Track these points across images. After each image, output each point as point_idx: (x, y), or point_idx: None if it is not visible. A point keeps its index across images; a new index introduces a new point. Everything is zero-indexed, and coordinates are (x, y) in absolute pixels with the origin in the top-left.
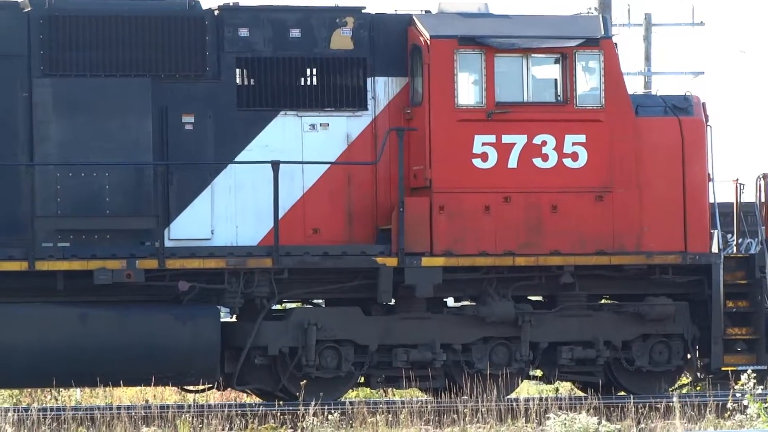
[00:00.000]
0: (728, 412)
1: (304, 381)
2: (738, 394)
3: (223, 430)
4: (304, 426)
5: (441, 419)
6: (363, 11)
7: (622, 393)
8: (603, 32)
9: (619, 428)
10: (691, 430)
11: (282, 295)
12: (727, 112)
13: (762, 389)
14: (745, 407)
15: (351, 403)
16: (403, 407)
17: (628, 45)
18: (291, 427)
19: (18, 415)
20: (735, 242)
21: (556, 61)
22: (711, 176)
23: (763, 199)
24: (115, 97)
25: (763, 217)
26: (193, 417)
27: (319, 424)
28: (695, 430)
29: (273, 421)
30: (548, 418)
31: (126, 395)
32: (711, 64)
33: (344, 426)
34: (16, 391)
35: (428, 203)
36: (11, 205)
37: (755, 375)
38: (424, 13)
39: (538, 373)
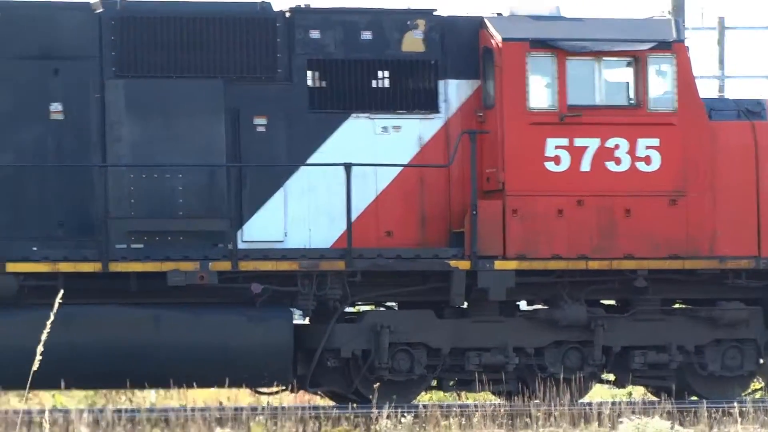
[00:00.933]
0: None
1: (377, 384)
2: None
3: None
4: (378, 429)
5: (514, 423)
6: (434, 13)
7: (695, 398)
8: (676, 36)
9: None
10: None
11: (355, 297)
12: None
13: None
14: None
15: (424, 406)
16: (476, 411)
17: (701, 48)
18: (364, 430)
19: (93, 416)
20: None
21: (629, 65)
22: None
23: None
24: (187, 99)
25: None
26: (266, 419)
27: (392, 426)
28: None
29: (346, 423)
30: (621, 422)
31: (200, 397)
32: None
33: (417, 429)
34: (91, 393)
35: (501, 206)
36: (85, 206)
37: None
38: (495, 15)
39: (611, 377)
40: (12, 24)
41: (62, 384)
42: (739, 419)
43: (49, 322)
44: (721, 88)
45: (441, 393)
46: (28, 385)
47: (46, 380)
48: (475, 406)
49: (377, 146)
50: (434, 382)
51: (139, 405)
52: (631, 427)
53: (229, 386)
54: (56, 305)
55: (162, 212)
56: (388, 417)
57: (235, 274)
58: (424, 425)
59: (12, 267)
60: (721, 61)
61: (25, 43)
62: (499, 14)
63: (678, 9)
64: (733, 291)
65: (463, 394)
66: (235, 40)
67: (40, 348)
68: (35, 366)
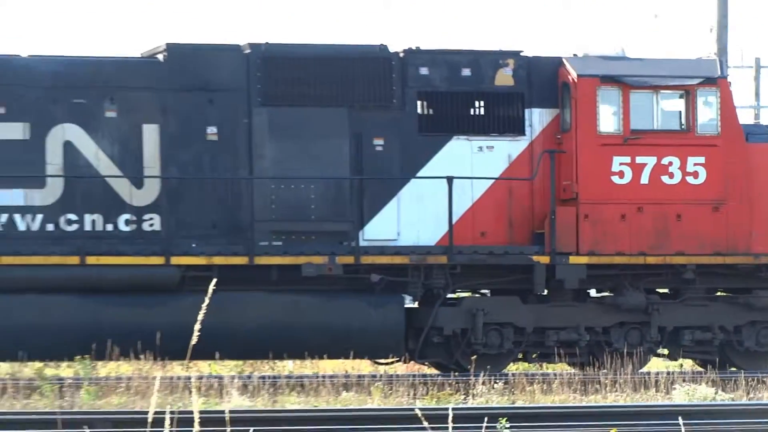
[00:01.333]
0: None
1: (474, 356)
2: None
3: (409, 395)
4: (475, 393)
5: (586, 388)
6: (521, 54)
7: (734, 369)
8: (720, 73)
9: (732, 397)
10: None
11: (455, 286)
12: None
13: None
14: None
15: (512, 375)
16: (555, 378)
17: (740, 83)
18: (464, 394)
19: (242, 382)
20: None
21: (681, 96)
22: None
23: None
24: (318, 124)
25: None
26: (383, 384)
27: (486, 391)
28: None
29: (449, 388)
30: (674, 388)
31: (329, 366)
32: None
33: (507, 393)
34: (240, 362)
35: (575, 212)
36: (234, 210)
37: None
38: (572, 56)
39: (665, 351)
40: (178, 62)
41: (216, 355)
42: None
43: (205, 306)
44: (757, 117)
45: (525, 364)
46: (188, 356)
47: (203, 353)
48: (554, 374)
49: (474, 163)
50: (520, 356)
51: (279, 373)
52: (683, 393)
53: (353, 358)
54: (210, 291)
55: (297, 216)
56: (483, 383)
57: (357, 266)
58: (512, 390)
59: (176, 260)
60: (757, 94)
61: (188, 78)
62: (575, 55)
63: (722, 50)
64: (765, 282)
65: (543, 365)
66: (358, 75)
67: (197, 326)
68: (194, 341)
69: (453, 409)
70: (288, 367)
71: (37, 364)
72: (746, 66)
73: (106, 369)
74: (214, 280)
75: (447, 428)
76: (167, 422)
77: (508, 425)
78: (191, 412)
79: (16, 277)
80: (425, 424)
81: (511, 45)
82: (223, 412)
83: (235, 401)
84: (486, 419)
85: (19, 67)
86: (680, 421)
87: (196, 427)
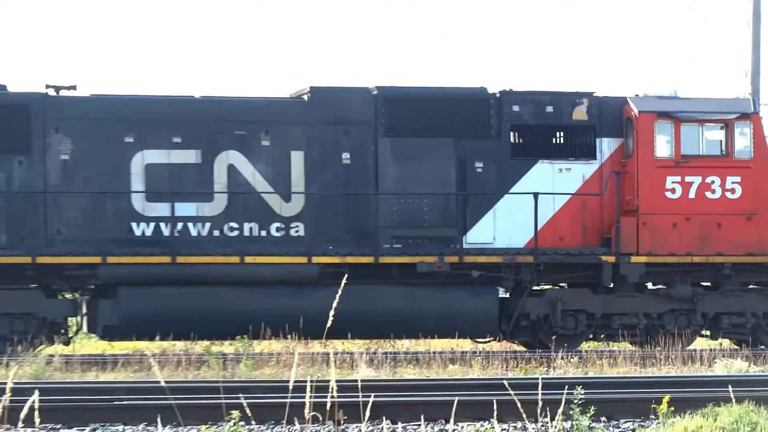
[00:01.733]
0: None
1: (554, 336)
2: None
3: (502, 368)
4: (555, 366)
5: (645, 362)
6: (594, 95)
7: (764, 347)
8: (753, 109)
9: (762, 369)
10: None
11: (539, 280)
12: None
13: None
14: None
15: (585, 351)
16: (619, 354)
17: None
18: (546, 367)
19: (369, 357)
20: None
21: (721, 128)
22: None
23: None
24: (430, 151)
25: None
26: (482, 359)
27: (564, 364)
28: None
29: (534, 362)
30: (715, 362)
31: (438, 344)
32: None
33: (581, 366)
34: (367, 341)
35: (636, 221)
36: (363, 219)
37: None
38: (634, 96)
39: (707, 333)
40: (319, 101)
41: (348, 335)
42: None
43: (338, 296)
44: None
45: (595, 343)
46: (325, 336)
47: (337, 333)
48: (618, 351)
49: (555, 181)
50: (591, 336)
51: (398, 349)
52: (722, 366)
53: (457, 338)
54: (343, 285)
55: (413, 224)
56: (561, 358)
57: (461, 264)
58: (585, 364)
59: (316, 259)
60: None
61: (327, 114)
62: (637, 95)
63: (755, 91)
64: None
65: (610, 343)
66: (462, 112)
67: (332, 312)
68: (329, 324)
69: (542, 379)
70: (405, 345)
71: (205, 343)
72: None
73: (260, 346)
74: (346, 276)
75: (537, 394)
76: (308, 389)
77: (582, 392)
78: (328, 381)
79: (190, 273)
80: (512, 392)
81: (585, 86)
82: (355, 380)
83: (363, 372)
84: (566, 387)
85: (191, 105)
86: (729, 388)
87: (333, 392)
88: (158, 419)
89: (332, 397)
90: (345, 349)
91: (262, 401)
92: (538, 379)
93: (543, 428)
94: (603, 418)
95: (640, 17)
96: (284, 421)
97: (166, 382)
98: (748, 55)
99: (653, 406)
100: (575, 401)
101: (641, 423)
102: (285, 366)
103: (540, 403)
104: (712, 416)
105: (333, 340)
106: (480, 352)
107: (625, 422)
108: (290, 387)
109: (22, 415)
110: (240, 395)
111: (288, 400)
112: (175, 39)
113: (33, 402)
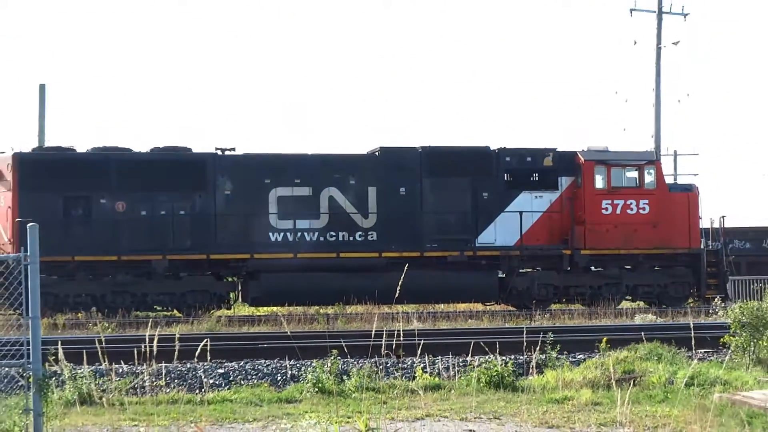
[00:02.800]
0: None
1: (534, 301)
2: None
3: (503, 321)
4: (534, 320)
5: (591, 317)
6: (556, 150)
7: (664, 306)
8: (655, 158)
9: (664, 321)
10: None
11: (523, 266)
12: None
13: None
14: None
15: (554, 310)
16: (575, 312)
17: (667, 163)
18: (529, 320)
19: (418, 315)
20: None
21: (636, 170)
22: (701, 216)
23: (717, 225)
24: (454, 185)
25: (722, 232)
26: (489, 315)
27: (540, 318)
28: None
29: (521, 317)
30: (635, 316)
31: (460, 307)
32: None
33: (551, 319)
34: (417, 306)
35: (583, 228)
36: (413, 229)
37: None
38: (581, 150)
39: (629, 298)
40: (385, 156)
41: (405, 302)
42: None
43: (401, 278)
44: (675, 179)
45: (560, 304)
46: (393, 302)
47: (399, 300)
48: (574, 310)
49: (533, 204)
50: (557, 300)
51: (436, 310)
52: (639, 318)
53: (473, 302)
54: (405, 270)
55: (444, 231)
56: (538, 315)
57: (474, 257)
58: (553, 318)
59: (385, 255)
60: (675, 168)
61: (390, 163)
62: (583, 150)
63: (657, 147)
64: (681, 262)
65: (569, 305)
66: (475, 161)
67: (398, 288)
68: (396, 295)
69: (526, 328)
70: (440, 307)
71: (315, 307)
72: (670, 154)
73: (350, 309)
74: (407, 265)
75: (523, 337)
76: (384, 336)
77: (552, 336)
78: (395, 331)
79: (305, 264)
80: (508, 337)
81: (552, 142)
82: (412, 330)
83: (414, 324)
84: (542, 333)
85: (306, 158)
86: (647, 333)
87: (400, 337)
88: (286, 357)
89: (398, 340)
90: (403, 311)
91: (353, 343)
92: (523, 328)
93: (528, 358)
94: (565, 352)
95: (587, 98)
96: (367, 356)
97: (291, 332)
98: (652, 124)
99: (597, 344)
100: (548, 341)
101: (589, 355)
102: (368, 321)
103: (525, 343)
104: (633, 350)
105: (397, 305)
106: (487, 311)
107: (579, 354)
108: (372, 334)
109: (197, 352)
110: (339, 340)
111: (371, 342)
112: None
113: (205, 344)
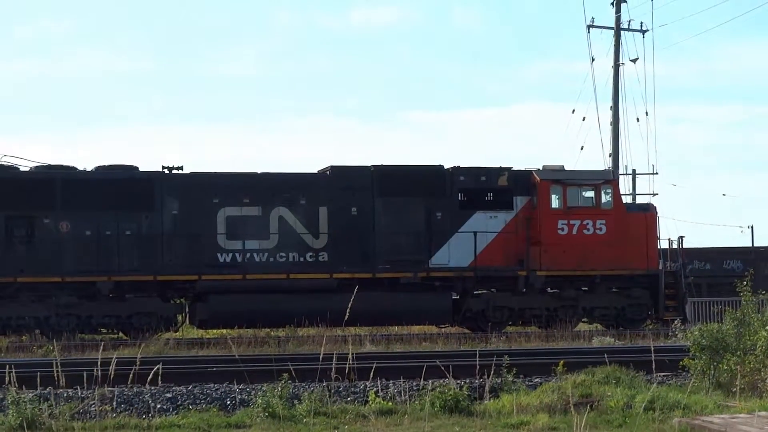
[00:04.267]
0: None
1: (489, 323)
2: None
3: (457, 343)
4: (490, 342)
5: (547, 339)
6: (512, 169)
7: (621, 328)
8: (612, 177)
9: (623, 343)
10: None
11: (478, 287)
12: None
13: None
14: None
15: (509, 333)
16: (531, 334)
17: (624, 183)
18: (485, 343)
19: (371, 337)
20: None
21: (592, 189)
22: (659, 236)
23: (676, 245)
24: (408, 205)
25: (680, 253)
26: (443, 338)
27: (496, 341)
28: None
29: (476, 340)
30: (592, 339)
31: (415, 329)
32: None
33: (507, 342)
34: (370, 328)
35: (539, 249)
36: (366, 249)
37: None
38: (537, 169)
39: (586, 320)
40: (337, 175)
41: (357, 324)
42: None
43: (351, 299)
44: (633, 199)
45: (515, 327)
46: (343, 324)
47: (350, 323)
48: (530, 332)
49: (487, 224)
50: (512, 323)
51: (390, 332)
52: (597, 341)
53: (427, 325)
54: (354, 292)
55: (397, 252)
56: (494, 337)
57: (428, 278)
58: (509, 340)
59: (335, 276)
60: (633, 188)
61: (342, 182)
62: (539, 169)
63: (615, 166)
64: (638, 283)
65: (525, 327)
66: (428, 180)
67: (348, 309)
68: (346, 317)
69: (479, 351)
70: (394, 329)
71: (266, 330)
72: (628, 173)
73: (302, 331)
74: (357, 287)
75: (475, 361)
76: (334, 359)
77: (508, 359)
78: (347, 353)
79: (255, 285)
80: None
81: (508, 161)
82: (363, 352)
83: (367, 347)
84: (495, 356)
85: (255, 177)
86: (606, 356)
87: (353, 360)
88: (234, 380)
89: (349, 363)
90: (355, 333)
91: (304, 366)
92: (476, 351)
93: (482, 382)
94: (522, 375)
95: (544, 116)
96: (319, 379)
97: (239, 355)
98: (609, 143)
99: (553, 367)
100: (504, 364)
101: (546, 378)
102: (317, 344)
103: (478, 366)
104: (591, 374)
105: (348, 327)
106: (442, 334)
107: (536, 378)
108: (320, 357)
109: (149, 378)
110: (288, 363)
111: (319, 366)
112: None
113: (158, 369)
